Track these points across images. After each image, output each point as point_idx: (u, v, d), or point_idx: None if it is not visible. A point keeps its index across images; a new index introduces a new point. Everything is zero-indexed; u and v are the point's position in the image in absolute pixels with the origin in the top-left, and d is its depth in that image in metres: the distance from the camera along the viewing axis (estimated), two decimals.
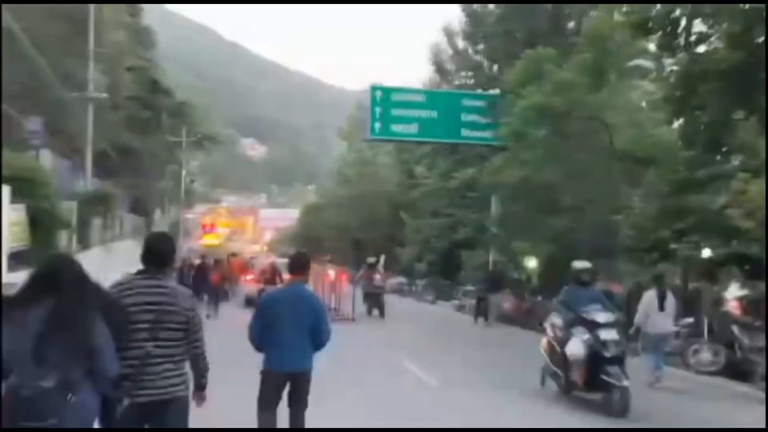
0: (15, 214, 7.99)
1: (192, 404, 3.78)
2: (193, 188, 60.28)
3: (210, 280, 16.63)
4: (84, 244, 13.99)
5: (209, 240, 54.80)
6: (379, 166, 45.91)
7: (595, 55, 14.02)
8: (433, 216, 30.75)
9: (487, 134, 23.21)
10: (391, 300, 20.97)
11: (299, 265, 5.24)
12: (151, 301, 3.55)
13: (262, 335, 4.92)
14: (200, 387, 3.90)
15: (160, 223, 43.60)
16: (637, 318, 9.53)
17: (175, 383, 3.60)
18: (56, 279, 3.24)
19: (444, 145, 26.52)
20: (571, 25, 20.64)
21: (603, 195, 15.19)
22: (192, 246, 63.14)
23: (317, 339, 5.01)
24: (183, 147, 42.00)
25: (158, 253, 3.76)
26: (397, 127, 22.61)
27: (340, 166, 56.77)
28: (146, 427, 3.59)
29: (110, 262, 16.74)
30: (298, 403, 4.99)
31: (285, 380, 4.89)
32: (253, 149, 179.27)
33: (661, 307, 9.42)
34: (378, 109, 22.40)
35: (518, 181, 15.08)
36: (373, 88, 22.55)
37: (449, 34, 30.10)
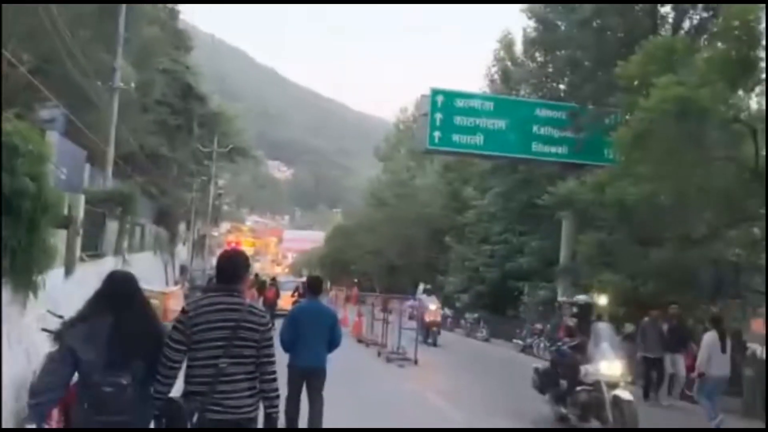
0: None
1: None
2: (219, 205, 58.12)
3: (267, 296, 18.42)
4: (94, 251, 11.27)
5: None
6: (418, 188, 43.11)
7: (738, 45, 11.12)
8: (484, 242, 27.71)
9: (561, 150, 20.43)
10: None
11: (317, 286, 7.03)
12: (227, 318, 3.55)
13: (291, 339, 6.06)
14: (270, 421, 3.66)
15: (186, 237, 41.19)
16: (699, 361, 9.31)
17: (249, 403, 3.56)
18: (121, 295, 3.76)
19: (504, 163, 23.61)
20: (687, 25, 17.70)
21: (733, 221, 12.14)
22: (213, 263, 61.04)
23: (331, 340, 6.34)
24: (213, 158, 39.61)
25: (231, 269, 3.77)
26: (459, 138, 19.84)
27: (374, 187, 54.15)
28: None
29: None
30: (317, 392, 6.26)
31: (306, 373, 5.85)
32: (280, 171, 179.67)
33: (723, 349, 9.23)
34: (438, 116, 19.67)
35: (631, 201, 12.03)
36: (434, 92, 19.83)
37: (507, 44, 27.54)
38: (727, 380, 9.43)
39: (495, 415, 9.22)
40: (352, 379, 12.03)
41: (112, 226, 13.06)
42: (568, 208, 16.12)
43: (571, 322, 10.00)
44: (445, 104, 19.68)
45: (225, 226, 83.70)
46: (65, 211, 8.49)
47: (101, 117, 18.49)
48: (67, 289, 8.52)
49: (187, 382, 3.57)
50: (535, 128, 20.23)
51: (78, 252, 9.35)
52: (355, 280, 50.26)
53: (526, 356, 18.81)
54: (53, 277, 7.91)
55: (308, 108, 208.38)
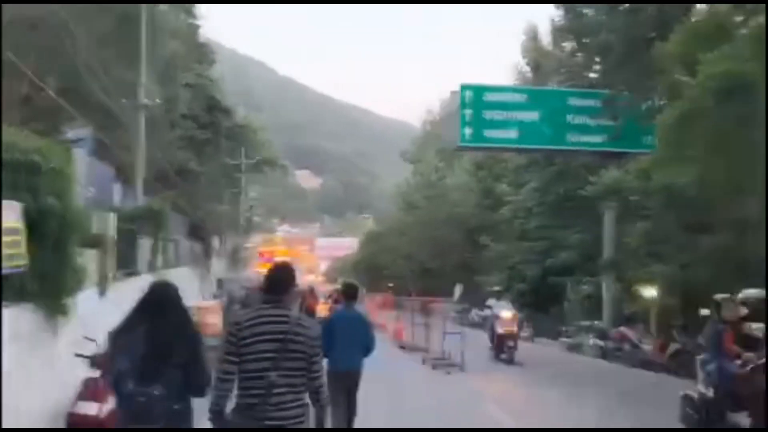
0: (7, 218, 5.03)
1: None
2: (250, 217, 58.30)
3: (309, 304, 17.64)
4: (129, 269, 11.02)
5: (267, 268, 52.28)
6: (449, 188, 42.54)
7: None
8: (522, 239, 27.00)
9: (597, 139, 19.69)
10: (475, 336, 17.18)
11: (353, 293, 7.30)
12: (276, 330, 3.57)
13: (329, 345, 5.67)
14: (319, 423, 3.77)
15: (220, 250, 41.27)
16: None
17: (297, 414, 3.58)
18: (156, 304, 3.87)
19: (539, 156, 22.92)
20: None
21: None
22: (249, 275, 61.12)
23: (367, 346, 6.65)
24: (242, 170, 39.60)
25: (279, 281, 3.79)
26: (492, 133, 19.25)
27: (403, 191, 53.73)
28: None
29: None
30: (353, 394, 6.58)
31: (345, 376, 5.97)
32: (308, 180, 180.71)
33: None
34: (468, 112, 19.11)
35: (680, 186, 11.30)
36: (463, 88, 19.27)
37: (534, 35, 26.86)
38: None
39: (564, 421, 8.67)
40: (400, 387, 11.57)
41: (145, 244, 12.85)
42: (613, 197, 15.40)
43: (747, 327, 6.98)
44: (474, 99, 19.12)
45: (257, 237, 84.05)
46: (94, 230, 8.22)
47: (128, 135, 18.43)
48: (102, 309, 8.24)
49: (239, 395, 3.61)
50: (569, 118, 19.53)
51: (112, 271, 9.08)
52: (390, 285, 49.81)
53: (574, 354, 18.14)
54: (86, 299, 7.63)
55: (332, 115, 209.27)
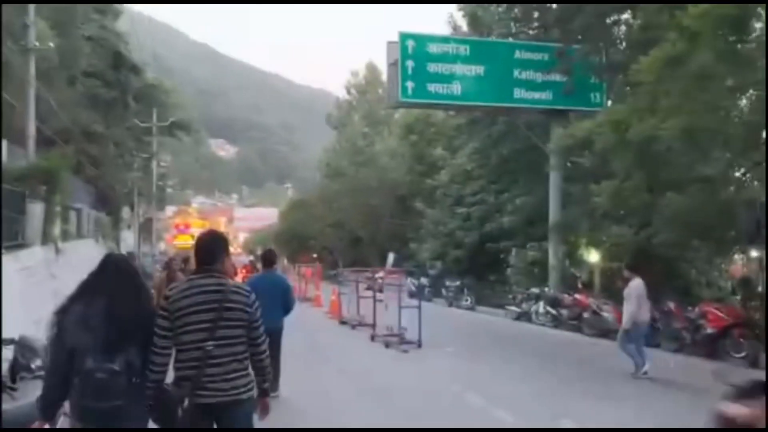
0: None
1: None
2: (164, 187, 54.63)
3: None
4: (14, 241, 8.79)
5: (183, 241, 49.35)
6: (378, 153, 40.98)
7: None
8: (458, 204, 25.86)
9: (545, 95, 18.60)
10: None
11: (271, 258, 8.26)
12: (210, 300, 3.48)
13: None
14: (263, 392, 3.69)
15: (131, 222, 38.08)
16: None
17: (240, 384, 3.49)
18: (112, 276, 3.61)
19: (480, 115, 21.63)
20: None
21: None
22: (162, 247, 57.67)
23: (286, 306, 7.53)
24: (154, 133, 36.41)
25: (209, 250, 3.70)
26: (435, 88, 17.71)
27: (329, 157, 51.69)
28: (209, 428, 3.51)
29: (59, 266, 11.53)
30: (277, 346, 7.35)
31: (267, 334, 4.67)
32: (223, 150, 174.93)
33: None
34: (410, 64, 17.48)
35: (664, 139, 10.09)
36: (404, 37, 17.56)
37: None
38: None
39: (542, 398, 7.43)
40: (356, 370, 10.00)
41: (37, 210, 10.51)
42: (584, 150, 14.30)
43: None
44: (416, 50, 17.49)
45: (171, 209, 79.95)
46: None
47: (16, 86, 15.64)
48: None
49: (175, 367, 3.53)
50: (516, 73, 18.30)
51: None
52: (314, 255, 48.01)
53: (524, 324, 17.18)
54: None
55: (249, 84, 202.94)
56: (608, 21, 17.63)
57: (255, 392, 3.60)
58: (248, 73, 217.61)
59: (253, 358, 3.58)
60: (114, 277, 3.64)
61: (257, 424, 3.72)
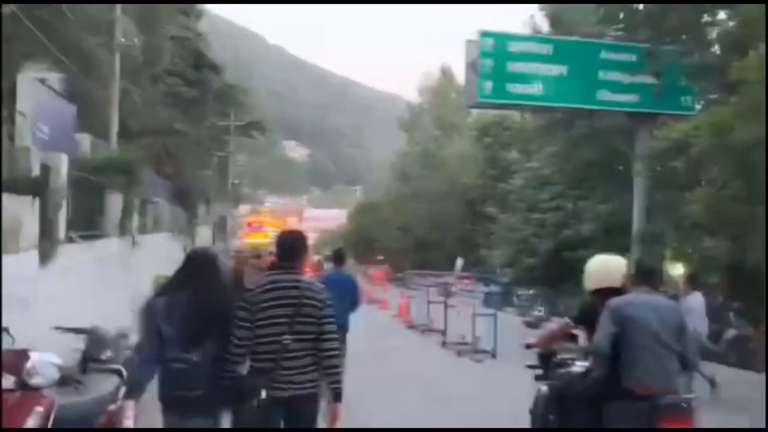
0: None
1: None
2: (239, 186, 55.91)
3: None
4: (91, 231, 8.85)
5: (256, 238, 50.29)
6: (448, 157, 40.40)
7: None
8: (533, 210, 24.98)
9: (631, 98, 17.62)
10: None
11: (341, 257, 8.20)
12: (288, 295, 3.61)
13: None
14: (335, 396, 3.67)
15: (206, 218, 39.00)
16: None
17: (311, 378, 3.60)
18: (196, 270, 3.83)
19: (561, 118, 20.75)
20: None
21: None
22: (236, 244, 59.00)
23: (352, 304, 7.37)
24: (231, 131, 37.16)
25: (290, 248, 3.82)
26: (514, 87, 17.09)
27: (399, 161, 51.48)
28: (282, 421, 3.58)
29: (135, 258, 11.66)
30: (342, 348, 5.87)
31: None
32: (296, 151, 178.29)
33: None
34: (488, 63, 16.91)
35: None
36: (484, 35, 17.04)
37: None
38: None
39: None
40: (426, 377, 9.55)
41: (115, 202, 10.61)
42: (680, 155, 13.39)
43: None
44: (496, 48, 16.93)
45: (245, 207, 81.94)
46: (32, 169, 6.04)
47: (103, 83, 16.08)
48: (42, 280, 6.10)
49: (252, 359, 3.63)
50: (600, 74, 17.43)
51: (62, 231, 6.92)
52: (380, 258, 47.86)
53: None
54: (16, 264, 5.51)
55: (321, 87, 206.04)
56: (703, 20, 16.55)
57: (320, 391, 3.67)
58: (321, 76, 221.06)
59: (321, 354, 3.62)
60: (197, 272, 3.83)
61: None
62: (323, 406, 3.77)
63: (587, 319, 4.54)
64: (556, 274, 23.80)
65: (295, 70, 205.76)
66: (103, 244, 9.17)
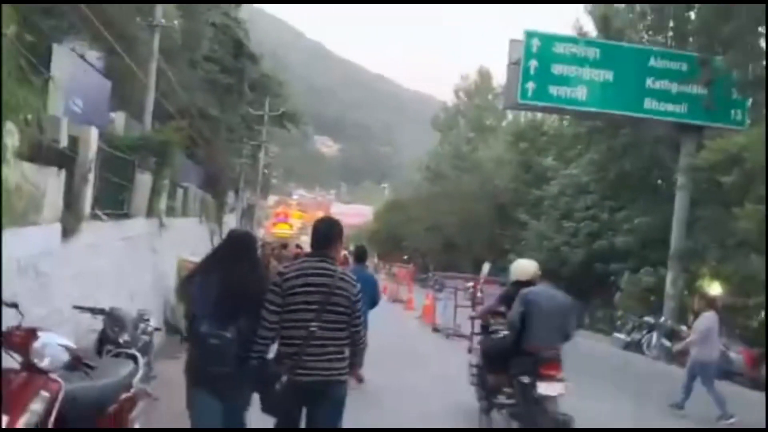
0: None
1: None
2: (269, 176, 56.04)
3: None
4: (118, 210, 8.66)
5: (282, 229, 50.49)
6: (481, 160, 39.78)
7: None
8: (566, 218, 24.35)
9: (679, 108, 16.98)
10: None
11: (363, 255, 8.85)
12: (319, 283, 3.61)
13: None
14: (355, 363, 3.87)
15: (235, 206, 39.05)
16: None
17: (337, 367, 3.62)
18: (231, 250, 3.93)
19: (603, 125, 20.15)
20: None
21: None
22: (261, 234, 59.24)
23: (373, 301, 7.59)
24: (265, 121, 37.14)
25: (325, 235, 3.84)
26: (557, 90, 16.59)
27: (431, 160, 50.99)
28: (304, 406, 3.63)
29: (161, 240, 11.48)
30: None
31: None
32: (326, 146, 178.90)
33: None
34: (533, 64, 16.44)
35: None
36: (529, 35, 16.55)
37: None
38: None
39: None
40: (452, 383, 9.14)
41: (145, 182, 10.38)
42: (733, 168, 12.77)
43: None
44: (541, 50, 16.45)
45: (273, 198, 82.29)
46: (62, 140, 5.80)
47: (141, 62, 15.95)
48: (63, 256, 5.87)
49: (280, 343, 3.67)
50: (648, 81, 16.83)
51: (87, 206, 6.69)
52: (405, 257, 47.45)
53: (634, 355, 15.68)
54: (38, 237, 5.28)
55: (355, 84, 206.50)
56: (758, 31, 15.87)
57: (348, 378, 3.74)
58: (356, 73, 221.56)
59: (352, 346, 3.73)
60: (233, 252, 3.90)
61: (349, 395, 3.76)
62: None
63: (508, 302, 6.65)
64: (587, 285, 23.17)
65: (331, 66, 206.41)
66: (129, 224, 8.96)
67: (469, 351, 11.73)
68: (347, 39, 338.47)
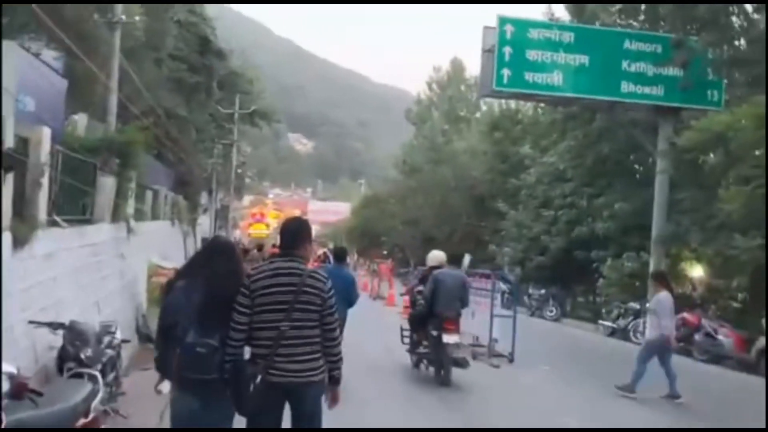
0: None
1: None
2: (242, 174, 55.14)
3: None
4: (79, 216, 8.13)
5: (258, 230, 49.63)
6: (457, 151, 39.51)
7: None
8: (544, 207, 24.18)
9: (656, 91, 16.79)
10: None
11: (343, 255, 9.52)
12: (287, 282, 3.61)
13: None
14: (334, 381, 3.74)
15: (208, 207, 38.28)
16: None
17: (311, 367, 3.59)
18: (211, 257, 3.93)
19: (578, 111, 19.93)
20: None
21: None
22: (237, 234, 58.37)
23: (350, 300, 7.99)
24: (235, 119, 36.41)
25: (293, 235, 3.85)
26: (533, 77, 16.26)
27: (406, 154, 50.62)
28: (277, 408, 3.65)
29: (130, 246, 10.93)
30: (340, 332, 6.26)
31: None
32: (301, 144, 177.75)
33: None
34: (507, 50, 16.09)
35: None
36: (502, 21, 16.19)
37: None
38: None
39: None
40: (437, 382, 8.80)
41: (107, 185, 9.81)
42: (715, 148, 12.55)
43: None
44: (515, 36, 16.09)
45: (248, 198, 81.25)
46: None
47: (103, 59, 15.29)
48: (16, 267, 5.35)
49: (251, 344, 3.66)
50: (624, 64, 16.58)
51: (42, 213, 6.17)
52: (384, 252, 47.07)
53: (620, 342, 15.51)
54: None
55: (327, 80, 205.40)
56: (732, 8, 15.76)
57: (325, 377, 3.68)
58: (327, 70, 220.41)
59: (325, 343, 3.66)
60: (215, 259, 3.87)
61: (325, 412, 3.72)
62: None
63: (425, 281, 9.38)
64: (568, 273, 23.05)
65: (301, 63, 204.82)
66: (93, 230, 8.42)
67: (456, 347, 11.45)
68: (317, 35, 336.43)
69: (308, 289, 3.61)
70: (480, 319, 11.24)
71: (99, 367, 5.48)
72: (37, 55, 10.91)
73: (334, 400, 3.79)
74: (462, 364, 8.77)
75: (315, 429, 3.74)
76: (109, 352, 5.80)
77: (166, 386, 4.08)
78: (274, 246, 22.30)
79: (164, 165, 25.05)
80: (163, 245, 14.25)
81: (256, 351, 3.60)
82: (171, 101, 26.00)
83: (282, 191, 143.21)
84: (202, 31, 30.59)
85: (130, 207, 11.56)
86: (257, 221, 54.08)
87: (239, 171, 48.34)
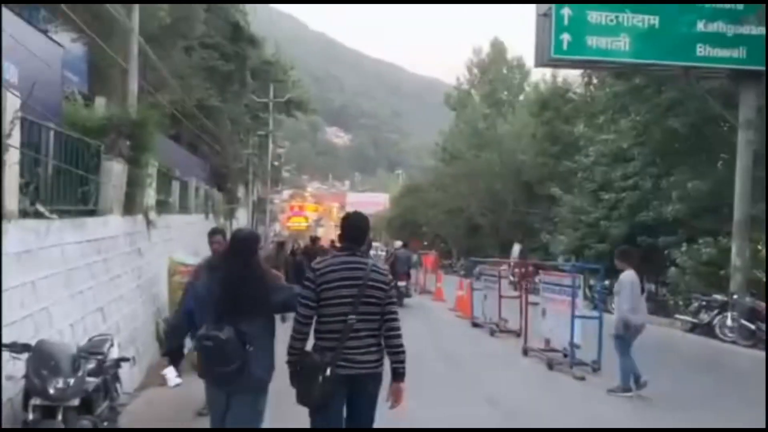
0: None
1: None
2: (279, 167, 54.20)
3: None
4: (84, 205, 6.84)
5: (297, 222, 48.79)
6: (501, 135, 37.61)
7: None
8: (603, 190, 22.22)
9: (737, 53, 14.76)
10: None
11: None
12: (354, 276, 3.69)
13: None
14: (398, 376, 3.75)
15: (245, 201, 37.28)
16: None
17: (375, 359, 3.71)
18: (235, 250, 3.99)
19: (644, 82, 17.92)
20: None
21: None
22: (277, 228, 57.59)
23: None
24: (270, 110, 35.24)
25: (357, 230, 3.92)
26: (596, 41, 14.41)
27: (444, 141, 48.82)
28: (342, 399, 3.69)
29: (151, 241, 9.68)
30: None
31: None
32: (338, 137, 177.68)
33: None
34: (566, 12, 14.27)
35: None
36: None
37: None
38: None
39: None
40: (513, 400, 7.20)
41: (114, 170, 8.42)
42: None
43: None
44: None
45: (287, 192, 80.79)
46: None
47: (121, 42, 14.10)
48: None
49: (317, 337, 3.74)
50: (700, 25, 14.61)
51: (13, 201, 4.83)
52: (425, 243, 45.48)
53: (706, 339, 13.64)
54: None
55: (362, 72, 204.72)
56: None
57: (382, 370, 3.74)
58: (361, 62, 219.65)
59: (386, 333, 3.73)
60: (229, 261, 3.96)
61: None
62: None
63: (389, 258, 18.09)
64: None
65: (337, 56, 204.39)
66: (96, 223, 7.10)
67: (525, 353, 9.87)
68: (349, 28, 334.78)
69: (373, 282, 3.69)
70: (553, 320, 9.60)
71: (76, 401, 4.10)
72: (45, 32, 9.68)
73: (398, 398, 3.76)
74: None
75: (371, 419, 3.77)
76: (92, 380, 4.40)
77: (171, 372, 4.11)
78: (311, 238, 21.00)
79: (199, 156, 24.09)
80: (195, 240, 12.98)
81: (323, 344, 3.67)
82: (204, 91, 24.95)
83: (321, 185, 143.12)
84: (233, 17, 29.49)
85: (151, 198, 10.27)
86: (296, 214, 53.32)
87: (276, 164, 47.33)
